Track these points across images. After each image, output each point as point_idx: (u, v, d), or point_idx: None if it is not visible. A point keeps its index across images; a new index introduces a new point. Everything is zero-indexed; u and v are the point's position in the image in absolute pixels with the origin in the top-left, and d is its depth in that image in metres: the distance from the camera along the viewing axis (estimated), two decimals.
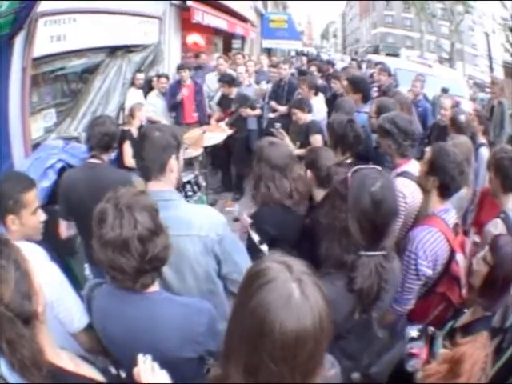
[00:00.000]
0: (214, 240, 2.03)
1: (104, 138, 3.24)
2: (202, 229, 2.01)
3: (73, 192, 3.17)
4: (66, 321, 1.91)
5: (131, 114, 5.79)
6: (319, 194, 2.90)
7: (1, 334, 1.21)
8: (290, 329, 0.97)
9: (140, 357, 1.51)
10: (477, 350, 1.68)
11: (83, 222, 3.03)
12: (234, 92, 7.14)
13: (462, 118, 4.49)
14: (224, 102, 7.23)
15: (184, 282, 2.06)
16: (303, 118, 5.03)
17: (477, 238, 3.06)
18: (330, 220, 1.90)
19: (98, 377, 1.47)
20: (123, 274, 1.56)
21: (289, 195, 2.72)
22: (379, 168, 1.95)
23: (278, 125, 5.30)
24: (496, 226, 2.82)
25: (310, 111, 5.14)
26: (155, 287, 1.70)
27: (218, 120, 7.13)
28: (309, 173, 2.95)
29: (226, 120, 6.92)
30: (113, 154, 5.98)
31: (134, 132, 5.72)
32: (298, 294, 1.01)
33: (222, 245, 2.06)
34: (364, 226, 1.77)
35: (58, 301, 1.86)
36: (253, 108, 7.09)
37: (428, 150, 2.71)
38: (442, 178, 2.50)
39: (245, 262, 2.16)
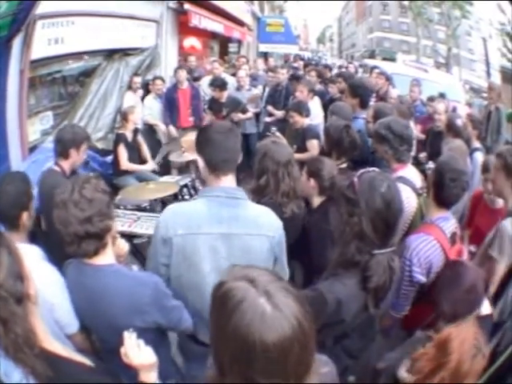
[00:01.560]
0: (276, 241, 2.12)
1: (57, 146, 3.34)
2: (270, 229, 2.10)
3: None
4: (64, 323, 1.97)
5: (124, 118, 5.79)
6: (317, 200, 3.01)
7: None
8: (273, 343, 0.98)
9: (126, 333, 1.61)
10: (463, 330, 1.73)
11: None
12: (224, 96, 7.12)
13: (459, 122, 4.52)
14: (214, 105, 7.18)
15: None
16: (300, 121, 5.01)
17: (473, 248, 3.08)
18: (341, 226, 1.96)
19: (88, 362, 1.52)
20: (68, 237, 1.76)
21: (286, 194, 2.78)
22: (378, 170, 2.04)
23: (274, 128, 5.33)
24: (509, 223, 2.79)
25: (307, 115, 5.13)
26: (107, 260, 1.89)
27: None
28: (312, 181, 2.99)
29: None
30: (109, 158, 6.02)
31: (129, 135, 5.73)
32: (269, 308, 1.01)
33: (280, 246, 2.16)
34: (377, 226, 1.85)
35: (58, 304, 1.93)
36: (244, 112, 7.10)
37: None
38: (437, 189, 2.53)
39: (286, 263, 2.28)
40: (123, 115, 5.87)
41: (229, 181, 2.07)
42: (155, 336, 1.94)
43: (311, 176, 3.00)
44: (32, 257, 2.00)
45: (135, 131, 5.89)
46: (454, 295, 2.10)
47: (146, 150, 6.05)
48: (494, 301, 2.40)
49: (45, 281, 1.88)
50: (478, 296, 2.14)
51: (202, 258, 2.01)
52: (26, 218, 2.26)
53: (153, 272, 2.04)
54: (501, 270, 2.76)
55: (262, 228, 2.07)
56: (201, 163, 2.10)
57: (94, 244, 1.80)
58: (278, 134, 4.96)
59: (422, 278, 2.42)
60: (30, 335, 1.33)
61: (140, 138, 6.01)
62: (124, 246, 2.12)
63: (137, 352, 1.59)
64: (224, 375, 1.09)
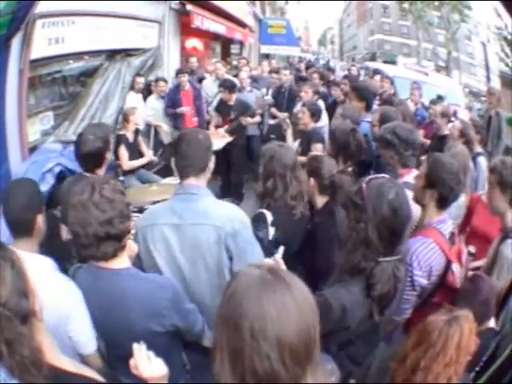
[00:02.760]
0: (229, 233, 2.09)
1: (91, 161, 3.16)
2: (218, 220, 2.11)
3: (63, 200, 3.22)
4: (80, 341, 1.91)
5: (125, 119, 5.78)
6: (320, 200, 3.01)
7: None
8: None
9: (135, 346, 1.55)
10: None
11: None
12: (233, 98, 6.90)
13: (472, 132, 4.54)
14: (222, 108, 7.02)
15: (196, 272, 2.16)
16: (307, 122, 4.92)
17: (472, 249, 3.04)
18: (348, 232, 1.97)
19: (99, 378, 1.51)
20: (86, 239, 1.73)
21: (294, 197, 2.79)
22: (388, 176, 2.03)
23: (284, 114, 5.29)
24: (508, 247, 2.70)
25: (316, 121, 5.04)
26: (124, 264, 1.89)
27: (217, 126, 7.00)
28: (312, 180, 2.99)
29: (226, 127, 6.78)
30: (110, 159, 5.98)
31: (130, 136, 5.70)
32: (269, 276, 1.04)
33: (237, 240, 2.11)
34: (383, 234, 1.84)
35: (75, 317, 1.87)
36: (252, 116, 7.03)
37: (423, 162, 2.69)
38: (441, 190, 2.48)
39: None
40: (124, 116, 5.86)
41: (191, 181, 2.20)
42: (169, 340, 1.97)
43: (311, 175, 3.01)
44: (45, 268, 1.95)
45: (136, 132, 5.86)
46: (470, 306, 2.08)
47: (146, 151, 6.00)
48: (497, 315, 2.39)
49: (60, 292, 1.84)
50: (489, 309, 2.19)
51: (157, 249, 2.16)
52: (40, 221, 2.11)
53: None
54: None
55: (208, 217, 2.11)
56: None
57: (113, 246, 1.79)
58: (287, 121, 4.92)
59: (424, 281, 2.40)
60: (38, 355, 1.28)
61: (140, 139, 5.98)
62: (134, 247, 2.11)
63: (147, 364, 1.52)
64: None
